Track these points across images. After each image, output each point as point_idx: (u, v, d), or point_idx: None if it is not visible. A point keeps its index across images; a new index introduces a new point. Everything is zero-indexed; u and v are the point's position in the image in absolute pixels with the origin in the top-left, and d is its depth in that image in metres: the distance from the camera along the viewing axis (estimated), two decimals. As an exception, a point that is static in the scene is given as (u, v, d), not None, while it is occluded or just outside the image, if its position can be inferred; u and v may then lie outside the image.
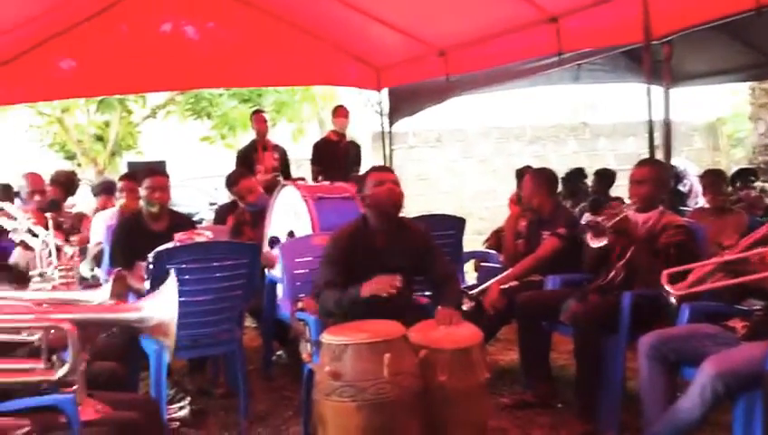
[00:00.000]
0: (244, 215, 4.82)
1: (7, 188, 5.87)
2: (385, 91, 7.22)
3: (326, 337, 2.57)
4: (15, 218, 3.50)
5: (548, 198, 4.18)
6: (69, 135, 10.35)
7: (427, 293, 3.69)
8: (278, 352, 4.66)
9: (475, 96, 7.89)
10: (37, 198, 4.39)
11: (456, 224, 4.48)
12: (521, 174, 5.82)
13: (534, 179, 4.23)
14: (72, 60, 6.25)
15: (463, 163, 12.52)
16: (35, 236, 3.23)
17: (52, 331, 1.13)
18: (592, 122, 13.34)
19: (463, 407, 2.67)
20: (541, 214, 4.19)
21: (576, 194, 6.66)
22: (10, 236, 3.33)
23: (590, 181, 6.90)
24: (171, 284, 1.00)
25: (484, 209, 11.95)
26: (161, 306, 0.97)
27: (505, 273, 4.08)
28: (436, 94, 6.58)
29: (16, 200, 4.65)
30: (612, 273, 3.49)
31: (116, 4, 5.92)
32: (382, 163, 7.31)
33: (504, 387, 3.99)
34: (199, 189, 12.90)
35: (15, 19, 5.06)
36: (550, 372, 3.78)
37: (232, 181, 5.06)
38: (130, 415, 2.32)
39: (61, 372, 0.94)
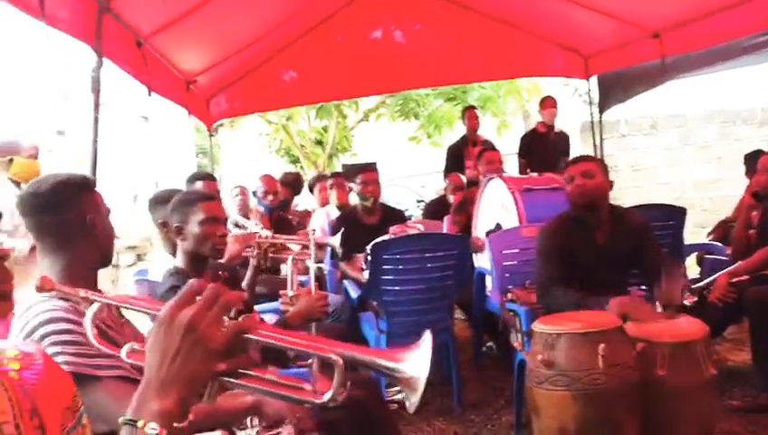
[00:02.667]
0: (471, 192, 4.91)
1: (298, 176, 6.65)
2: (593, 79, 6.96)
3: (539, 326, 2.57)
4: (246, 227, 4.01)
5: None
6: (292, 140, 11.34)
7: (643, 287, 3.53)
8: (488, 344, 4.72)
9: (695, 77, 7.30)
10: (270, 197, 4.89)
11: (676, 214, 4.19)
12: (751, 159, 5.29)
13: None
14: (293, 71, 6.83)
15: (682, 151, 11.62)
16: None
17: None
18: (840, 99, 11.67)
19: (685, 404, 2.53)
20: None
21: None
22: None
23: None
24: (427, 344, 1.06)
25: (707, 200, 11.01)
26: (417, 364, 1.04)
27: (735, 265, 3.76)
28: (651, 78, 6.19)
29: (252, 199, 5.22)
30: None
31: (331, 17, 6.35)
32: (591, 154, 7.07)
33: (734, 389, 3.69)
34: (407, 188, 13.40)
35: (247, 40, 5.65)
36: (788, 374, 3.42)
37: (453, 155, 5.25)
38: (357, 392, 2.53)
39: (325, 397, 1.05)
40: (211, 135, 6.91)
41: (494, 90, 10.23)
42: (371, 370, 1.04)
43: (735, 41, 4.96)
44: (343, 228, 4.25)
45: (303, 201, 7.51)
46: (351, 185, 5.13)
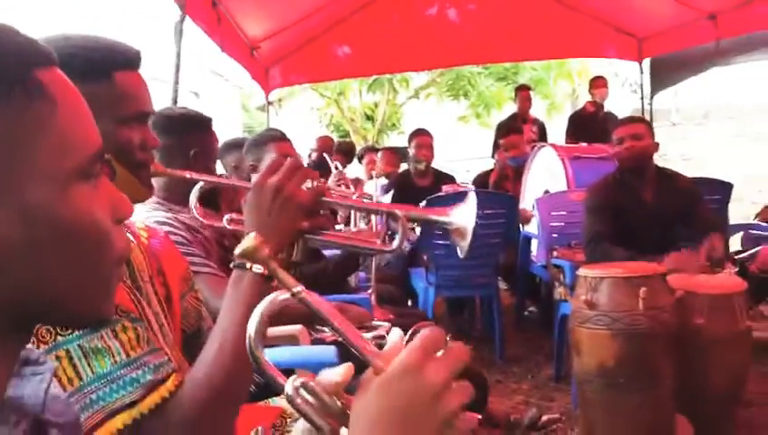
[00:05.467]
0: (505, 169, 5.06)
1: (352, 145, 6.89)
2: (645, 65, 6.96)
3: (583, 271, 2.73)
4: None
5: None
6: (343, 115, 11.59)
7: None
8: (530, 308, 4.88)
9: (752, 66, 7.23)
10: (314, 156, 5.15)
11: (722, 188, 4.28)
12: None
13: None
14: (347, 46, 7.00)
15: (734, 142, 11.46)
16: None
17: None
18: None
19: (720, 353, 2.66)
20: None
21: None
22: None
23: None
24: (471, 199, 1.29)
25: (758, 193, 10.84)
26: (463, 216, 1.27)
27: (779, 239, 3.86)
28: (702, 62, 6.22)
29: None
30: None
31: (387, -6, 6.48)
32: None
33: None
34: (453, 172, 13.46)
35: (307, 9, 5.84)
36: (825, 344, 3.51)
37: (503, 131, 5.41)
38: (411, 321, 2.75)
39: (393, 245, 1.28)
40: (270, 103, 7.15)
41: (545, 72, 10.27)
42: (426, 223, 1.28)
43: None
44: (395, 189, 4.46)
45: (352, 171, 7.74)
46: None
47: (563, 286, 3.31)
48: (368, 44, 6.78)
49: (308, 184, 1.22)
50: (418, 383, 0.61)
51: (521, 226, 4.56)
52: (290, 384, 0.68)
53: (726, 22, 5.52)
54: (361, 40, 6.75)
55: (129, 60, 1.14)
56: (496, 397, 3.42)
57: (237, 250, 0.89)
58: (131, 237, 1.23)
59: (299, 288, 0.71)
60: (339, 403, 0.68)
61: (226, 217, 1.36)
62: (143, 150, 1.17)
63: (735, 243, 5.26)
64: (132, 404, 0.97)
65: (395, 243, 1.28)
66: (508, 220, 3.87)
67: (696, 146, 11.48)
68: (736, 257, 3.81)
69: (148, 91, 1.19)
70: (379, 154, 6.21)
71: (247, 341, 0.72)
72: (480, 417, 0.81)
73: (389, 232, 1.39)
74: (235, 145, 3.24)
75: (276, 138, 2.87)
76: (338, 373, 0.67)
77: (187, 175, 1.39)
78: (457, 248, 1.26)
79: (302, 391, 0.68)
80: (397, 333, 0.69)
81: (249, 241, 0.78)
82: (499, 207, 3.84)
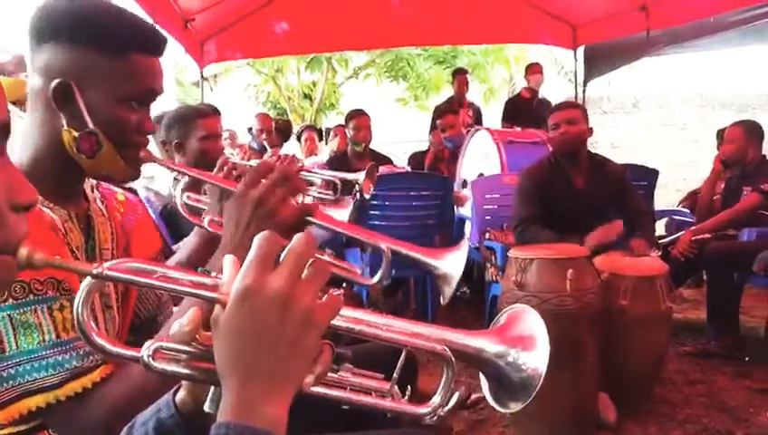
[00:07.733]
0: (442, 151, 5.10)
1: (288, 124, 6.73)
2: (579, 53, 7.11)
3: (513, 252, 2.79)
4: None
5: (755, 150, 4.03)
6: (281, 93, 11.41)
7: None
8: (462, 289, 4.95)
9: (680, 58, 7.46)
10: (264, 135, 5.04)
11: (648, 175, 4.44)
12: (722, 133, 5.55)
13: (746, 130, 4.07)
14: (285, 23, 6.89)
15: (661, 131, 11.88)
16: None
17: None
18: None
19: (642, 332, 2.78)
20: (744, 167, 4.05)
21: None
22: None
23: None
24: (464, 248, 1.22)
25: (682, 181, 11.29)
26: (454, 263, 1.21)
27: (699, 224, 4.03)
28: (634, 52, 6.40)
29: (246, 136, 5.38)
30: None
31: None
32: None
33: (687, 339, 3.96)
34: (390, 154, 13.45)
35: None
36: (737, 325, 3.69)
37: (439, 112, 5.42)
38: (345, 302, 2.74)
39: (374, 279, 1.22)
40: (204, 79, 6.97)
41: (484, 57, 10.38)
42: (415, 263, 1.19)
43: (719, 16, 5.16)
44: (331, 170, 4.41)
45: (289, 150, 7.65)
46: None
47: (494, 267, 3.37)
48: (306, 22, 6.69)
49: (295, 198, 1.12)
50: (262, 299, 0.61)
51: (455, 208, 4.61)
52: (144, 352, 0.66)
53: (657, 13, 5.69)
54: (300, 17, 6.66)
55: (151, 45, 1.12)
56: (426, 376, 3.46)
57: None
58: (104, 210, 1.20)
59: (99, 269, 0.64)
60: (200, 347, 0.67)
61: (207, 218, 1.32)
62: (139, 133, 1.13)
63: (660, 228, 5.49)
64: (51, 388, 0.94)
65: (376, 277, 1.21)
66: (443, 202, 3.90)
67: (625, 134, 11.84)
68: (660, 242, 3.96)
69: (161, 77, 1.15)
70: (332, 131, 6.18)
71: (78, 326, 0.67)
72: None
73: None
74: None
75: (204, 113, 2.72)
76: (187, 321, 0.65)
77: (172, 166, 1.35)
78: (441, 294, 1.20)
79: (161, 353, 0.67)
80: (229, 259, 0.67)
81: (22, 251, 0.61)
82: (435, 188, 3.87)
